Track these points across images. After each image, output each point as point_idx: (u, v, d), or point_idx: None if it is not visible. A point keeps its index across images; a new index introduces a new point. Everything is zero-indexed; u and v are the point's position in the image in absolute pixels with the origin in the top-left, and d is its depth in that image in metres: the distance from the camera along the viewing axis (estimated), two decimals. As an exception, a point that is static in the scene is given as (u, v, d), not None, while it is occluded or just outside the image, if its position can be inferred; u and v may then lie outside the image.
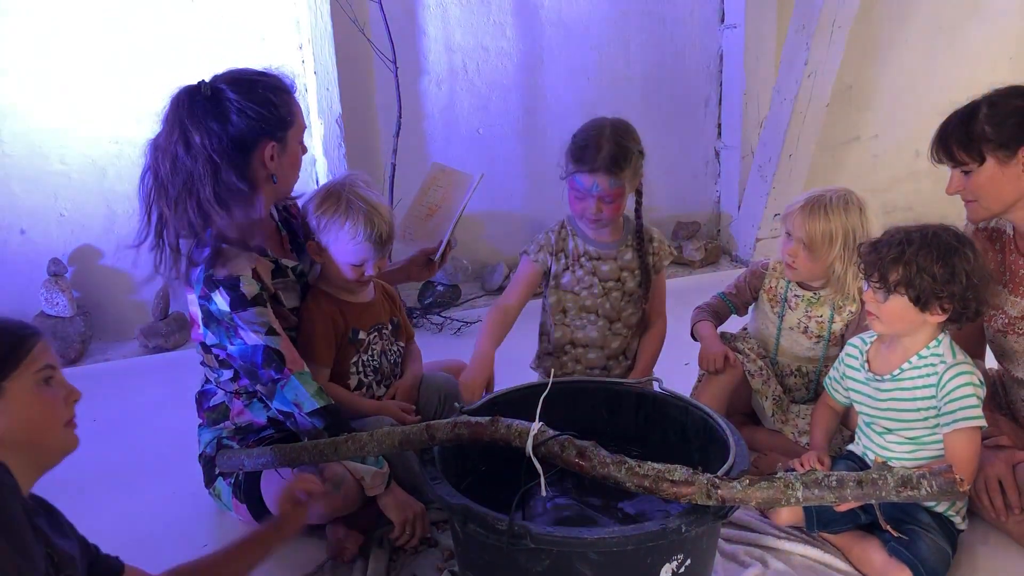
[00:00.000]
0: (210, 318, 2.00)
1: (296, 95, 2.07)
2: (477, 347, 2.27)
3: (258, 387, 2.03)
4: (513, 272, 2.49)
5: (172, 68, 3.32)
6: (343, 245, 2.12)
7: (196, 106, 1.95)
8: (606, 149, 2.22)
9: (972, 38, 4.46)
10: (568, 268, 2.38)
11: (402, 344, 2.35)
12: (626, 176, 2.25)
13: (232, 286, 1.95)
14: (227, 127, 1.94)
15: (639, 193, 2.37)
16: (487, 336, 2.29)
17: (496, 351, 2.28)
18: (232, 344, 1.99)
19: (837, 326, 2.38)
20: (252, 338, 1.96)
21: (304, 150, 2.12)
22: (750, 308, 2.58)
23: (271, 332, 1.97)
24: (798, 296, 2.41)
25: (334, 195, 2.13)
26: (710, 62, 4.23)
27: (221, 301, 1.96)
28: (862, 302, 2.28)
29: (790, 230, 2.32)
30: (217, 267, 1.97)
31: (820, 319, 2.39)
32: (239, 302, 1.95)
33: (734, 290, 2.55)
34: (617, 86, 4.09)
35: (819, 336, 2.40)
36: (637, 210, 2.39)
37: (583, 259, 2.38)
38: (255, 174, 2.01)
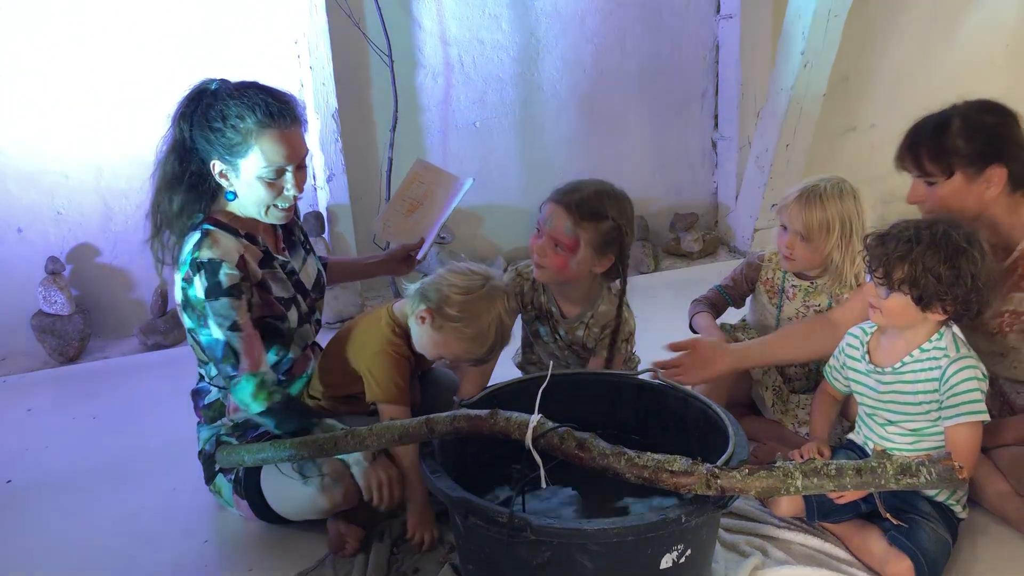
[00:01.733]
0: (187, 303, 2.01)
1: (284, 129, 1.96)
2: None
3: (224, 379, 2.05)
4: (512, 265, 2.49)
5: (166, 64, 3.31)
6: (451, 343, 2.03)
7: (192, 100, 1.99)
8: (583, 193, 2.15)
9: (968, 27, 4.45)
10: (537, 318, 2.38)
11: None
12: (585, 231, 2.14)
13: (213, 271, 1.95)
14: (191, 129, 1.98)
15: (623, 281, 2.26)
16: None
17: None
18: (201, 333, 2.00)
19: None
20: (216, 331, 1.96)
21: (275, 189, 2.00)
22: (748, 300, 2.58)
23: (234, 328, 1.96)
24: (795, 287, 2.41)
25: (488, 301, 2.01)
26: (706, 53, 4.23)
27: (199, 286, 1.96)
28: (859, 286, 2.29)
29: (785, 222, 2.32)
30: (203, 249, 1.97)
31: (818, 308, 2.39)
32: (214, 290, 1.95)
33: (731, 283, 2.55)
34: (614, 78, 4.09)
35: None
36: (619, 306, 2.28)
37: (545, 316, 2.37)
38: (213, 182, 2.03)
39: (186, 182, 2.02)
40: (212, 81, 2.01)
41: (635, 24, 4.05)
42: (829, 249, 2.27)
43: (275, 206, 2.04)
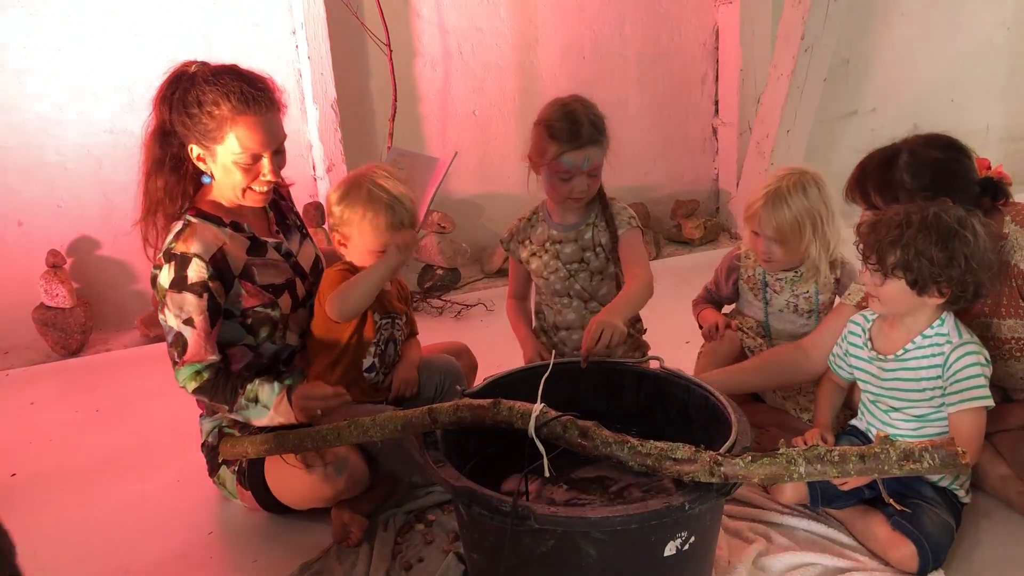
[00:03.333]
0: (153, 285, 2.04)
1: (253, 117, 1.95)
2: (518, 337, 2.46)
3: None
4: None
5: (166, 55, 3.29)
6: (367, 236, 2.12)
7: (171, 84, 2.01)
8: (586, 122, 2.24)
9: (968, 8, 4.43)
10: (535, 254, 2.41)
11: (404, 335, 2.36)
12: (605, 146, 2.28)
13: (182, 264, 1.98)
14: (171, 113, 1.99)
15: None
16: (517, 325, 2.48)
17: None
18: (160, 316, 2.04)
19: (824, 297, 2.38)
20: (171, 320, 2.00)
21: (251, 174, 2.02)
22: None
23: (188, 322, 1.99)
24: (780, 279, 2.40)
25: (355, 186, 2.13)
26: (706, 39, 4.21)
27: (165, 276, 1.99)
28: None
29: (756, 229, 2.31)
30: (180, 241, 2.00)
31: (807, 295, 2.38)
32: (178, 283, 1.98)
33: (714, 286, 2.56)
34: (613, 64, 4.07)
35: (810, 311, 2.40)
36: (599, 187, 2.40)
37: (547, 243, 2.40)
38: (192, 165, 2.05)
39: (168, 164, 2.04)
40: (191, 64, 2.02)
41: (634, 10, 4.04)
42: (805, 245, 2.27)
43: (251, 189, 2.05)
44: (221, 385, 2.02)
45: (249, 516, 2.22)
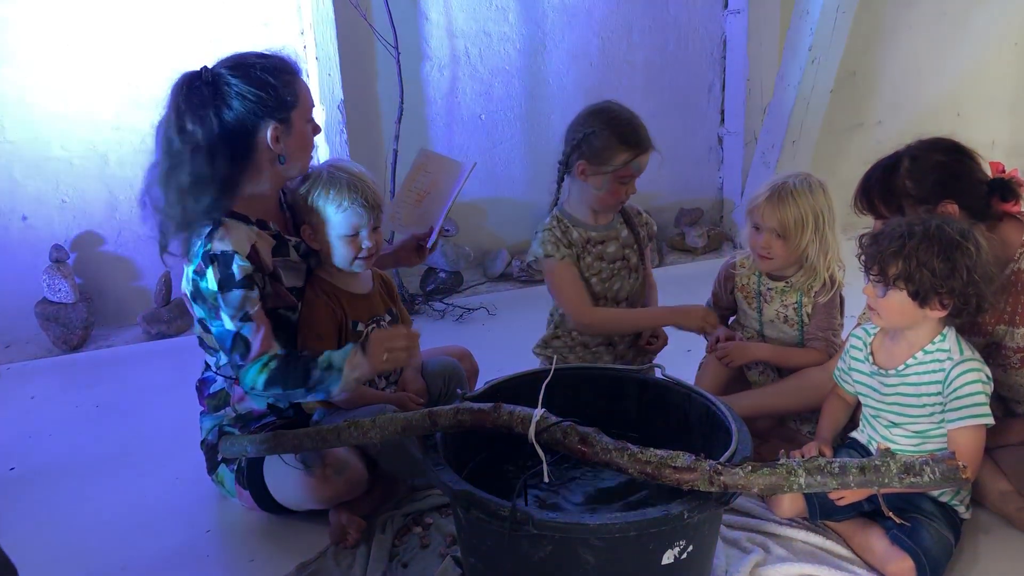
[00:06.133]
0: (198, 294, 2.02)
1: (302, 75, 2.09)
2: (654, 316, 2.52)
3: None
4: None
5: (174, 54, 3.31)
6: (331, 217, 2.10)
7: (194, 92, 1.97)
8: (642, 126, 2.36)
9: (977, 24, 4.43)
10: (579, 258, 2.42)
11: None
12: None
13: (226, 263, 1.96)
14: (224, 113, 1.97)
15: None
16: (632, 313, 2.50)
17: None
18: (213, 324, 2.02)
19: (809, 308, 2.37)
20: (228, 323, 1.98)
21: (316, 129, 2.13)
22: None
23: (246, 319, 1.97)
24: (771, 289, 2.40)
25: (314, 174, 2.14)
26: (714, 48, 4.21)
27: (211, 279, 1.97)
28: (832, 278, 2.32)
29: (758, 223, 2.30)
30: (215, 241, 1.97)
31: (795, 305, 2.38)
32: (227, 282, 1.96)
33: (713, 299, 2.56)
34: (620, 71, 4.07)
35: (798, 321, 2.39)
36: None
37: (588, 246, 2.41)
38: (260, 156, 2.03)
39: (218, 181, 1.98)
40: (197, 71, 2.01)
41: (642, 18, 4.04)
42: (805, 244, 2.27)
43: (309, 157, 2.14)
44: (292, 367, 1.97)
45: (247, 515, 2.21)
